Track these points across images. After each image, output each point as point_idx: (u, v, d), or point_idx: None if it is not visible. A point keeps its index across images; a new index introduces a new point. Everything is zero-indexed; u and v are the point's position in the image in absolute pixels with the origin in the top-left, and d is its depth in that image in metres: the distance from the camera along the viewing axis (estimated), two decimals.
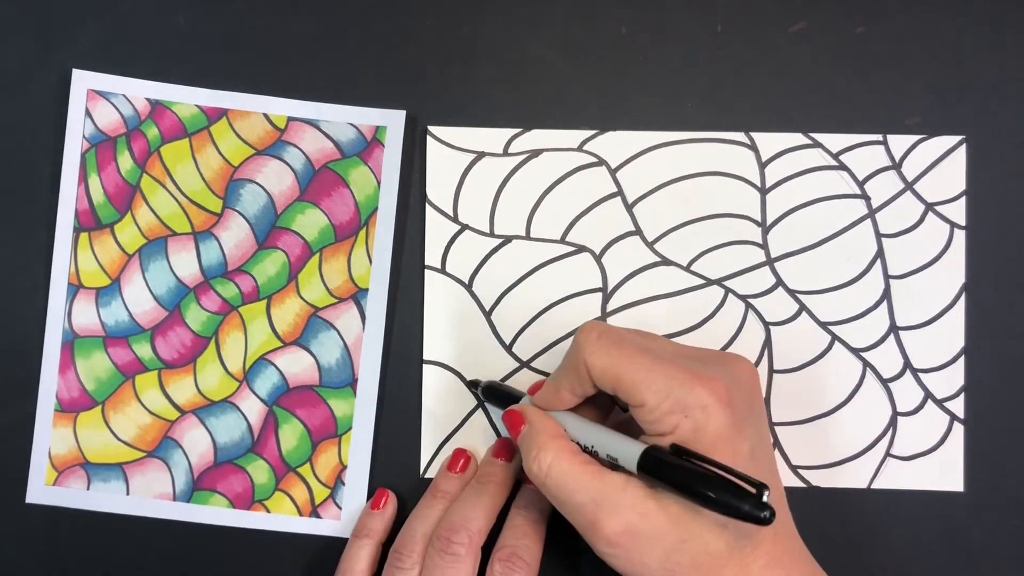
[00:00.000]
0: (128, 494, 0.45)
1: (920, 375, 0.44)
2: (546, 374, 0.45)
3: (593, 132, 0.45)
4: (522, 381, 0.45)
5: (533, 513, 0.41)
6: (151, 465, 0.45)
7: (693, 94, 0.45)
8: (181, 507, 0.45)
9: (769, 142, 0.45)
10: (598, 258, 0.45)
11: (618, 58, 0.45)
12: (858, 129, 0.45)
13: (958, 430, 0.44)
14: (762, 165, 0.45)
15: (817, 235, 0.45)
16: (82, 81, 0.46)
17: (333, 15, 0.46)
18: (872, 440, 0.44)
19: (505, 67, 0.45)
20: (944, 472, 0.44)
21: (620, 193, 0.45)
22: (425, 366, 0.45)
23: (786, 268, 0.45)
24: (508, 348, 0.45)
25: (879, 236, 0.45)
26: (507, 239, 0.45)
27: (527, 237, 0.45)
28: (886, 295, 0.45)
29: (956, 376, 0.44)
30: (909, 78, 0.45)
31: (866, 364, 0.44)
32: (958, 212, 0.45)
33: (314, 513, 0.45)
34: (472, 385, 0.45)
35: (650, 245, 0.45)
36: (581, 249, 0.45)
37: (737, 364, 0.36)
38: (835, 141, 0.45)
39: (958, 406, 0.44)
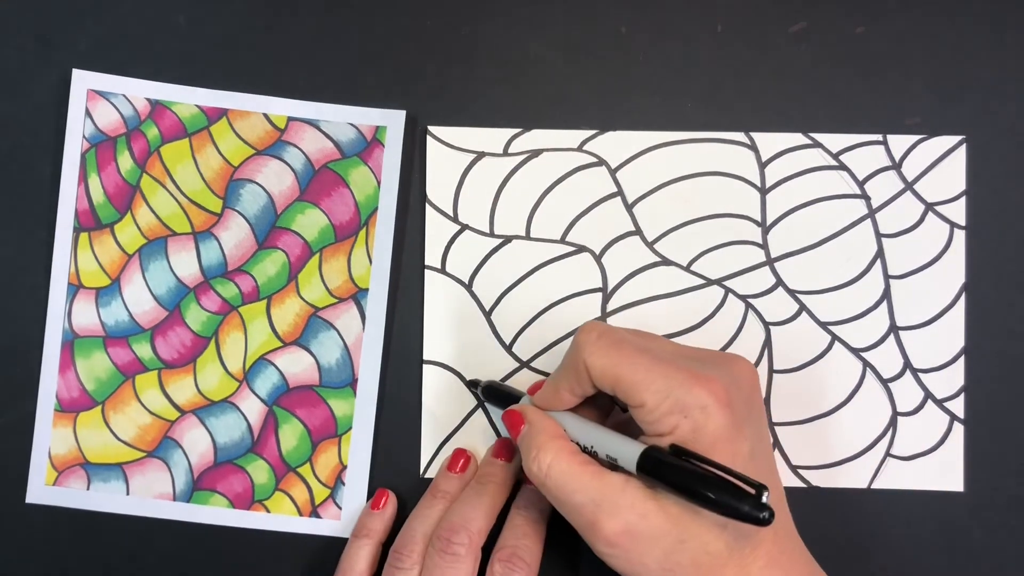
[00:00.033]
0: (128, 494, 0.45)
1: (920, 375, 0.44)
2: (546, 374, 0.45)
3: (593, 132, 0.45)
4: (522, 381, 0.45)
5: (533, 513, 0.41)
6: (151, 465, 0.45)
7: (693, 94, 0.45)
8: (181, 507, 0.45)
9: (769, 142, 0.45)
10: (598, 258, 0.45)
11: (618, 58, 0.45)
12: (858, 129, 0.45)
13: (958, 430, 0.44)
14: (762, 165, 0.45)
15: (817, 235, 0.45)
16: (82, 81, 0.46)
17: (333, 15, 0.46)
18: (872, 440, 0.44)
19: (505, 67, 0.45)
20: (944, 472, 0.44)
21: (620, 193, 0.45)
22: (425, 366, 0.45)
23: (786, 268, 0.45)
24: (508, 348, 0.45)
25: (879, 236, 0.45)
26: (507, 239, 0.45)
27: (527, 237, 0.45)
28: (886, 295, 0.45)
29: (956, 376, 0.44)
30: (909, 78, 0.45)
31: (866, 364, 0.44)
32: (958, 212, 0.45)
33: (314, 513, 0.45)
34: (472, 385, 0.45)
35: (650, 245, 0.45)
36: (581, 249, 0.45)
37: (736, 364, 0.36)
38: (835, 141, 0.45)
39: (958, 406, 0.44)
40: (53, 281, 0.45)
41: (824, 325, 0.45)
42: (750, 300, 0.45)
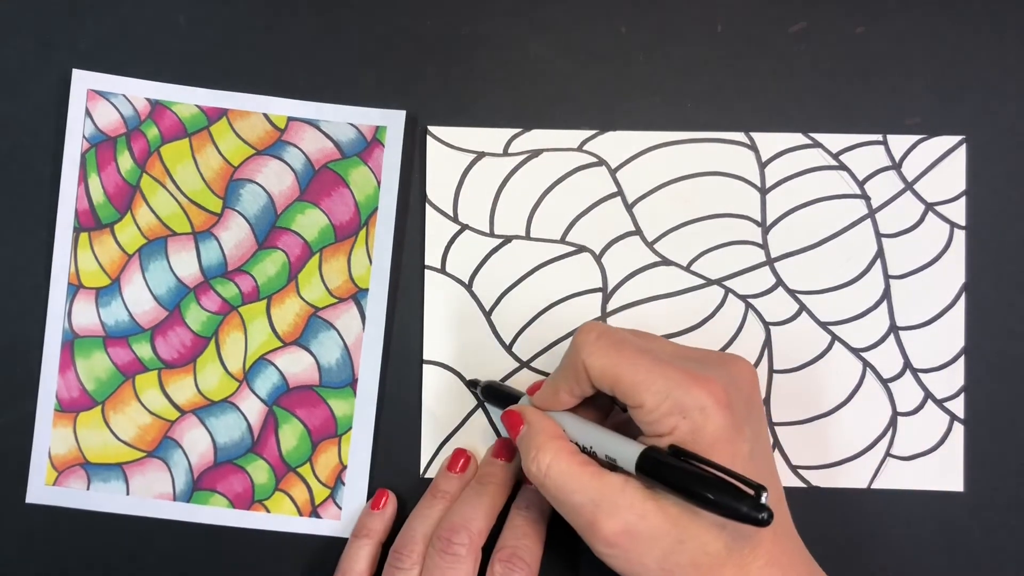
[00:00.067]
0: (128, 494, 0.45)
1: (920, 375, 0.44)
2: (546, 374, 0.45)
3: (593, 132, 0.45)
4: (522, 381, 0.45)
5: (533, 513, 0.41)
6: (151, 465, 0.45)
7: (693, 94, 0.45)
8: (181, 507, 0.45)
9: (769, 142, 0.45)
10: (598, 258, 0.45)
11: (618, 58, 0.45)
12: (858, 129, 0.45)
13: (958, 430, 0.44)
14: (762, 165, 0.45)
15: (817, 235, 0.45)
16: (82, 81, 0.46)
17: (333, 15, 0.46)
18: (872, 440, 0.44)
19: (505, 67, 0.45)
20: (944, 472, 0.44)
21: (620, 193, 0.45)
22: (425, 366, 0.45)
23: (786, 268, 0.45)
24: (508, 348, 0.45)
25: (879, 236, 0.45)
26: (507, 239, 0.45)
27: (527, 237, 0.45)
28: (886, 295, 0.45)
29: (956, 376, 0.44)
30: (909, 78, 0.45)
31: (866, 364, 0.44)
32: (958, 212, 0.45)
33: (314, 513, 0.45)
34: (471, 385, 0.45)
35: (650, 245, 0.45)
36: (581, 249, 0.45)
37: (736, 365, 0.36)
38: (835, 141, 0.45)
39: (958, 406, 0.44)
40: (53, 281, 0.45)
41: (824, 325, 0.45)
42: (750, 300, 0.45)
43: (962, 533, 0.44)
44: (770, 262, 0.45)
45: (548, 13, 0.45)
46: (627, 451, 0.34)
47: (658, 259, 0.45)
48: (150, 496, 0.45)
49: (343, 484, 0.45)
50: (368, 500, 0.44)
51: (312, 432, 0.45)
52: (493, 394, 0.43)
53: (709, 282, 0.45)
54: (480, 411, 0.45)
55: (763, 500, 0.30)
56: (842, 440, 0.44)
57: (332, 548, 0.44)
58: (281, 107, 0.45)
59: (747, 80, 0.45)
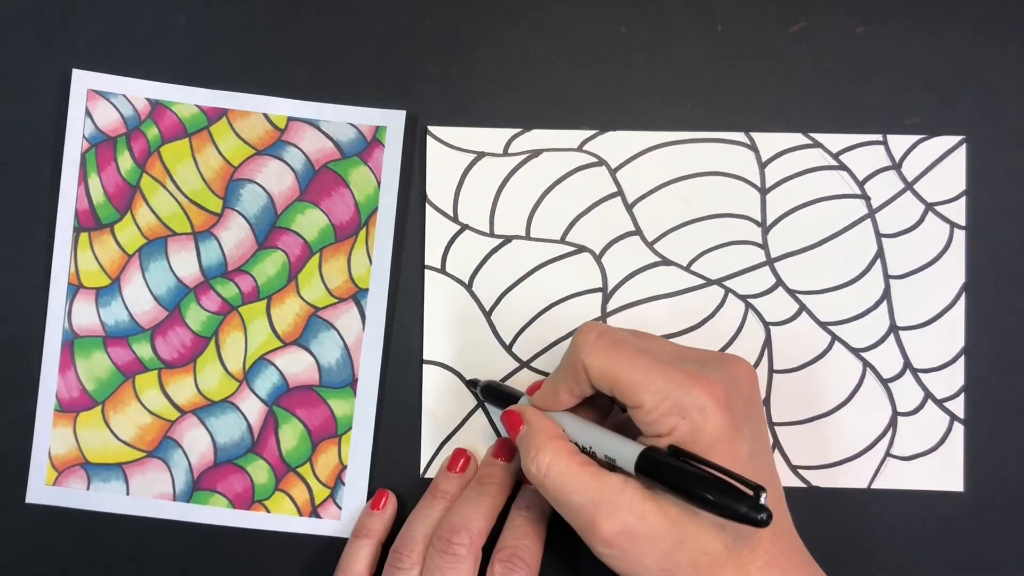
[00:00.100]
0: (128, 494, 0.45)
1: (920, 375, 0.44)
2: (546, 374, 0.45)
3: (593, 132, 0.45)
4: (522, 381, 0.45)
5: (533, 513, 0.41)
6: (151, 465, 0.45)
7: (693, 94, 0.45)
8: (181, 507, 0.45)
9: (769, 142, 0.45)
10: (598, 258, 0.45)
11: (618, 58, 0.45)
12: (858, 129, 0.45)
13: (958, 430, 0.44)
14: (762, 165, 0.45)
15: (817, 235, 0.45)
16: (82, 81, 0.46)
17: (333, 15, 0.46)
18: (872, 440, 0.44)
19: (505, 67, 0.45)
20: (944, 472, 0.44)
21: (620, 193, 0.45)
22: (425, 366, 0.45)
23: (786, 268, 0.45)
24: (508, 348, 0.45)
25: (879, 236, 0.45)
26: (507, 239, 0.45)
27: (527, 237, 0.45)
28: (886, 295, 0.45)
29: (956, 376, 0.44)
30: (909, 78, 0.45)
31: (866, 364, 0.44)
32: (958, 212, 0.45)
33: (314, 513, 0.45)
34: (471, 384, 0.45)
35: (650, 245, 0.45)
36: (581, 249, 0.45)
37: (735, 365, 0.36)
38: (835, 141, 0.45)
39: (958, 406, 0.44)
40: (53, 281, 0.45)
41: (824, 325, 0.45)
42: (750, 300, 0.45)
43: (962, 533, 0.44)
44: (770, 262, 0.45)
45: (548, 13, 0.45)
46: (626, 451, 0.34)
47: (658, 259, 0.45)
48: (150, 496, 0.45)
49: (343, 484, 0.45)
50: (368, 500, 0.44)
51: (312, 432, 0.45)
52: (493, 394, 0.43)
53: (709, 282, 0.45)
54: (480, 411, 0.45)
55: (762, 501, 0.30)
56: (842, 440, 0.44)
57: (332, 548, 0.44)
58: (281, 107, 0.45)
59: (747, 80, 0.45)
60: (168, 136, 0.46)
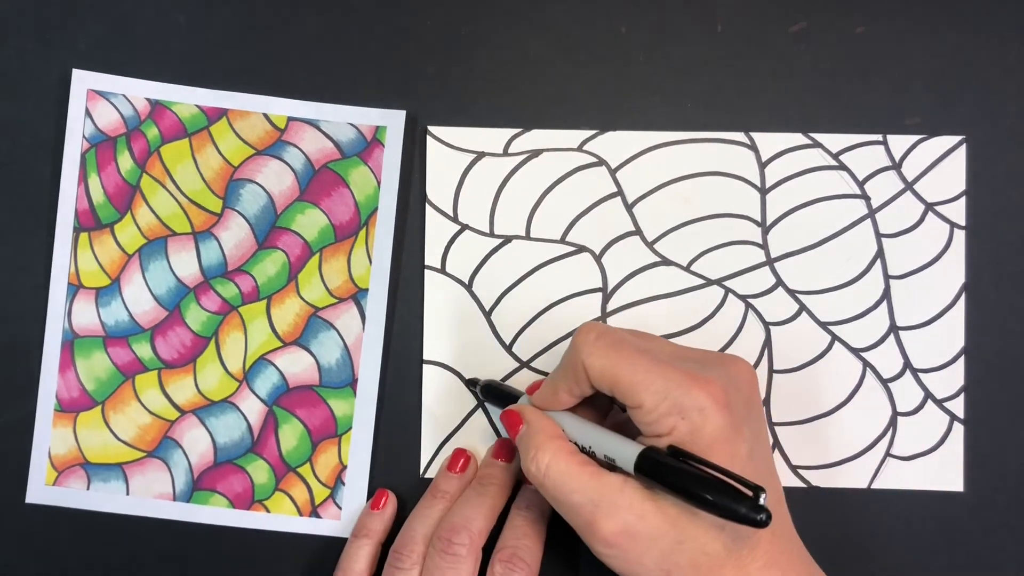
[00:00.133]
0: (128, 494, 0.45)
1: (920, 375, 0.44)
2: (546, 374, 0.45)
3: (593, 132, 0.45)
4: (522, 381, 0.45)
5: (533, 513, 0.41)
6: (151, 465, 0.45)
7: (693, 94, 0.45)
8: (181, 507, 0.45)
9: (769, 142, 0.45)
10: (598, 258, 0.45)
11: (618, 58, 0.45)
12: (858, 129, 0.45)
13: (958, 430, 0.44)
14: (762, 165, 0.45)
15: (817, 235, 0.45)
16: (82, 81, 0.46)
17: (333, 15, 0.46)
18: (872, 440, 0.44)
19: (505, 67, 0.45)
20: (944, 472, 0.44)
21: (620, 193, 0.45)
22: (425, 366, 0.45)
23: (786, 268, 0.45)
24: (508, 348, 0.45)
25: (879, 236, 0.45)
26: (507, 239, 0.45)
27: (527, 237, 0.45)
28: (886, 295, 0.45)
29: (956, 376, 0.44)
30: (909, 78, 0.45)
31: (866, 364, 0.44)
32: (958, 212, 0.45)
33: (314, 513, 0.45)
34: (471, 384, 0.45)
35: (650, 245, 0.45)
36: (581, 249, 0.45)
37: (735, 365, 0.36)
38: (835, 141, 0.45)
39: (958, 406, 0.44)
40: (53, 281, 0.45)
41: (824, 325, 0.45)
42: (750, 300, 0.45)
43: (962, 533, 0.44)
44: (770, 262, 0.45)
45: (548, 13, 0.45)
46: (626, 451, 0.34)
47: (658, 259, 0.45)
48: (150, 496, 0.45)
49: (343, 484, 0.45)
50: (368, 500, 0.44)
51: (312, 432, 0.45)
52: (492, 393, 0.43)
53: (709, 282, 0.45)
54: (480, 411, 0.45)
55: (761, 501, 0.30)
56: (842, 440, 0.44)
57: (332, 548, 0.44)
58: (281, 107, 0.45)
59: (747, 80, 0.45)
60: (168, 136, 0.46)
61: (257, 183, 0.45)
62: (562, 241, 0.45)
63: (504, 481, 0.42)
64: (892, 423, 0.44)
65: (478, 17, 0.46)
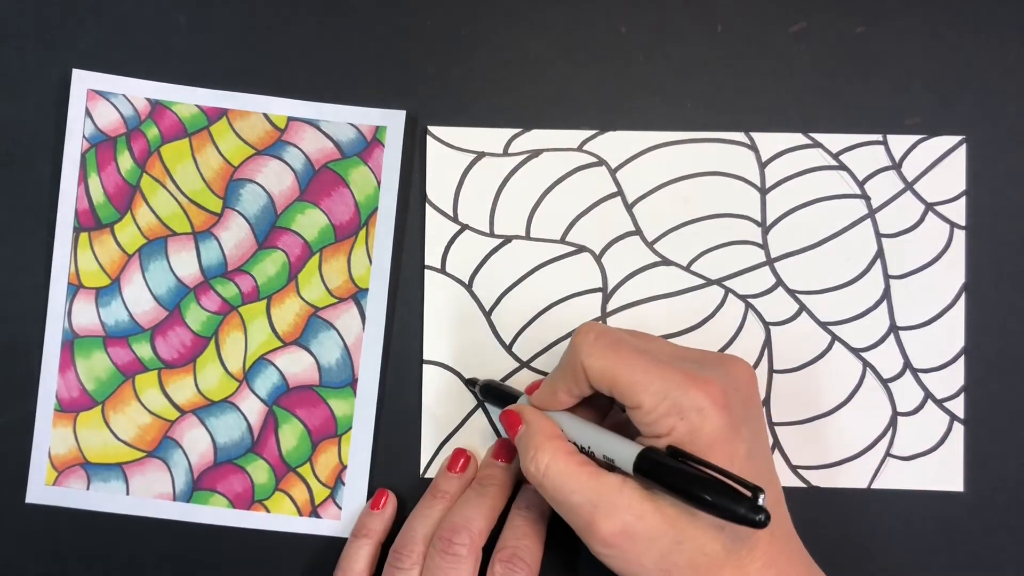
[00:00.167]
0: (128, 494, 0.45)
1: (920, 375, 0.44)
2: (546, 374, 0.45)
3: (593, 132, 0.45)
4: (522, 381, 0.45)
5: (533, 514, 0.41)
6: (151, 465, 0.45)
7: (693, 94, 0.45)
8: (181, 507, 0.45)
9: (769, 142, 0.45)
10: (598, 258, 0.45)
11: (618, 58, 0.45)
12: (858, 129, 0.45)
13: (958, 430, 0.44)
14: (762, 165, 0.45)
15: (817, 235, 0.45)
16: (82, 81, 0.46)
17: (333, 15, 0.46)
18: (872, 440, 0.44)
19: (505, 67, 0.45)
20: (944, 472, 0.44)
21: (620, 193, 0.45)
22: (425, 366, 0.45)
23: (786, 268, 0.45)
24: (508, 348, 0.45)
25: (879, 236, 0.45)
26: (507, 239, 0.45)
27: (527, 237, 0.45)
28: (886, 295, 0.45)
29: (956, 376, 0.44)
30: (909, 78, 0.45)
31: (866, 364, 0.44)
32: (958, 212, 0.45)
33: (314, 513, 0.45)
34: (470, 384, 0.45)
35: (650, 245, 0.45)
36: (581, 249, 0.45)
37: (734, 366, 0.36)
38: (835, 141, 0.45)
39: (958, 406, 0.44)
40: (53, 281, 0.45)
41: (824, 325, 0.45)
42: (750, 300, 0.45)
43: (962, 533, 0.44)
44: (770, 262, 0.45)
45: (548, 13, 0.45)
46: (625, 451, 0.34)
47: (658, 259, 0.45)
48: (150, 496, 0.45)
49: (343, 484, 0.45)
50: (368, 500, 0.44)
51: (312, 432, 0.45)
52: (492, 393, 0.43)
53: (709, 282, 0.45)
54: (480, 411, 0.45)
55: (760, 502, 0.30)
56: (842, 440, 0.44)
57: (332, 548, 0.44)
58: (281, 107, 0.45)
59: (747, 80, 0.45)
60: (168, 136, 0.46)
61: (257, 183, 0.45)
62: (562, 241, 0.45)
63: (504, 481, 0.42)
64: (892, 423, 0.44)
65: (478, 17, 0.46)
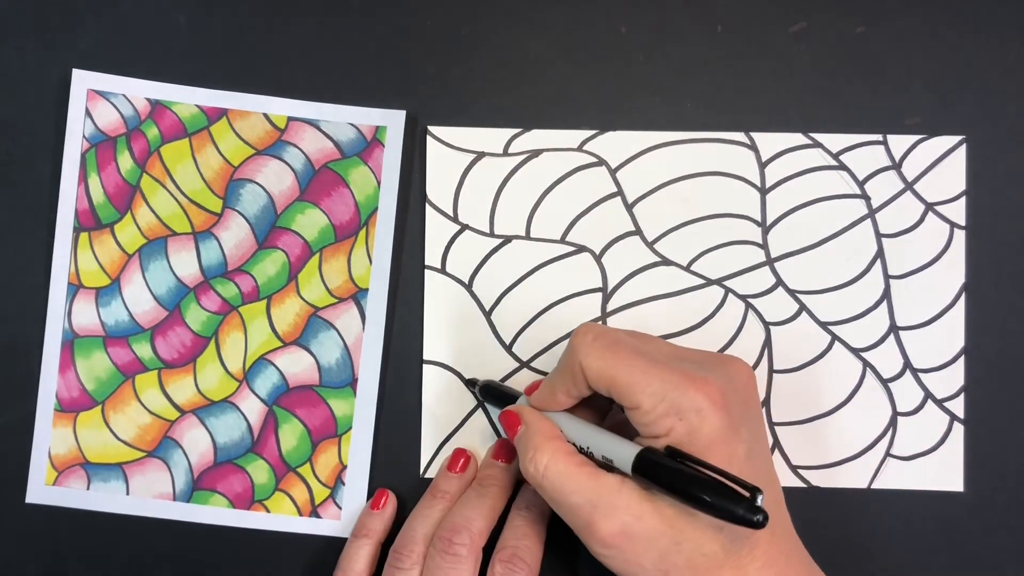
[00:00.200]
0: (128, 494, 0.45)
1: (920, 375, 0.44)
2: (546, 374, 0.45)
3: (593, 132, 0.45)
4: (522, 381, 0.45)
5: (533, 514, 0.41)
6: (151, 465, 0.45)
7: (693, 94, 0.45)
8: (181, 507, 0.45)
9: (769, 142, 0.45)
10: (598, 258, 0.45)
11: (618, 58, 0.45)
12: (858, 129, 0.45)
13: (958, 430, 0.44)
14: (762, 165, 0.45)
15: (817, 235, 0.45)
16: (82, 81, 0.46)
17: (333, 15, 0.46)
18: (872, 440, 0.44)
19: (505, 67, 0.45)
20: (944, 472, 0.44)
21: (620, 193, 0.45)
22: (425, 366, 0.45)
23: (786, 268, 0.45)
24: (508, 348, 0.45)
25: (879, 236, 0.45)
26: (507, 239, 0.45)
27: (527, 237, 0.45)
28: (886, 295, 0.45)
29: (956, 376, 0.44)
30: (909, 78, 0.45)
31: (866, 364, 0.44)
32: (958, 212, 0.45)
33: (314, 513, 0.45)
34: (470, 384, 0.45)
35: (650, 245, 0.45)
36: (581, 249, 0.45)
37: (733, 366, 0.36)
38: (835, 141, 0.45)
39: (958, 406, 0.44)
40: (53, 281, 0.45)
41: (824, 325, 0.45)
42: (750, 300, 0.45)
43: (962, 533, 0.44)
44: (770, 262, 0.45)
45: (548, 13, 0.45)
46: (623, 452, 0.34)
47: (658, 259, 0.45)
48: (150, 496, 0.45)
49: (343, 484, 0.45)
50: (368, 500, 0.44)
51: (312, 432, 0.45)
52: (491, 393, 0.43)
53: (709, 282, 0.45)
54: (480, 411, 0.45)
55: (758, 502, 0.30)
56: (842, 440, 0.44)
57: (332, 548, 0.44)
58: (281, 107, 0.45)
59: (747, 80, 0.45)
60: (168, 136, 0.46)
61: (257, 183, 0.45)
62: (562, 241, 0.45)
63: (504, 481, 0.42)
64: (892, 423, 0.44)
65: (478, 17, 0.46)
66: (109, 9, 0.46)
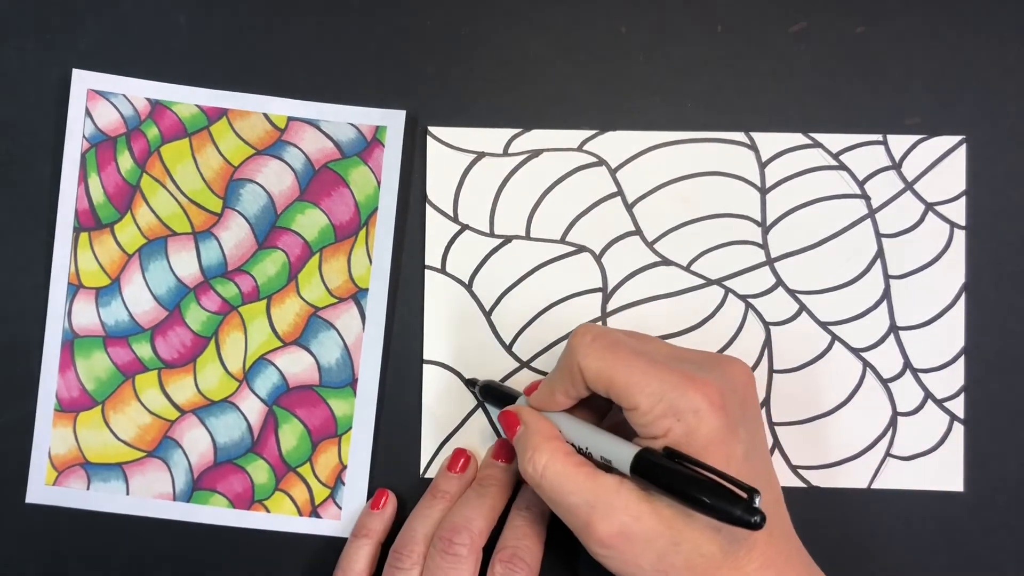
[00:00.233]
0: (128, 494, 0.45)
1: (920, 375, 0.44)
2: (546, 374, 0.45)
3: (593, 132, 0.45)
4: (521, 381, 0.45)
5: (533, 514, 0.41)
6: (151, 465, 0.45)
7: (693, 94, 0.45)
8: (181, 507, 0.45)
9: (769, 142, 0.45)
10: (598, 258, 0.45)
11: (618, 58, 0.45)
12: (858, 129, 0.45)
13: (958, 430, 0.44)
14: (762, 165, 0.45)
15: (817, 235, 0.45)
16: (82, 81, 0.46)
17: (333, 15, 0.46)
18: (872, 440, 0.44)
19: (505, 67, 0.45)
20: (944, 472, 0.44)
21: (620, 193, 0.45)
22: (425, 366, 0.45)
23: (786, 268, 0.45)
24: (508, 348, 0.45)
25: (879, 236, 0.45)
26: (507, 239, 0.45)
27: (527, 237, 0.45)
28: (886, 295, 0.45)
29: (956, 376, 0.44)
30: (909, 78, 0.45)
31: (866, 364, 0.44)
32: (958, 212, 0.45)
33: (314, 513, 0.45)
34: (470, 384, 0.45)
35: (650, 245, 0.45)
36: (581, 249, 0.45)
37: (731, 366, 0.36)
38: (835, 141, 0.45)
39: (958, 406, 0.44)
40: (53, 281, 0.45)
41: (824, 325, 0.45)
42: (750, 300, 0.45)
43: (962, 533, 0.44)
44: (770, 262, 0.45)
45: (548, 13, 0.45)
46: (622, 452, 0.34)
47: (658, 259, 0.45)
48: (150, 496, 0.45)
49: (343, 484, 0.45)
50: (368, 500, 0.44)
51: (312, 432, 0.45)
52: (491, 394, 0.43)
53: (709, 282, 0.45)
54: (480, 411, 0.45)
55: (756, 503, 0.30)
56: (842, 440, 0.44)
57: (332, 548, 0.44)
58: (281, 107, 0.45)
59: (747, 80, 0.45)
60: (168, 136, 0.46)
61: (257, 183, 0.45)
62: (562, 241, 0.45)
63: (504, 482, 0.42)
64: (892, 423, 0.44)
65: (478, 17, 0.46)
66: (109, 9, 0.46)
